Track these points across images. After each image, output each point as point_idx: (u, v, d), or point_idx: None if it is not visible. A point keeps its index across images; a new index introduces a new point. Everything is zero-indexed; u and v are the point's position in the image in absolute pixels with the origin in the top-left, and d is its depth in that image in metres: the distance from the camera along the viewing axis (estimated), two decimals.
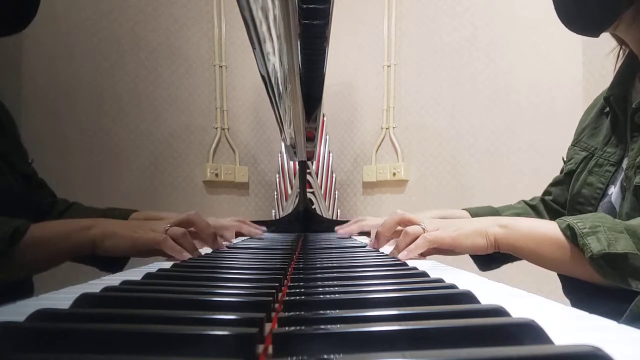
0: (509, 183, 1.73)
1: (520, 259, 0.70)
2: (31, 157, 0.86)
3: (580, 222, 0.55)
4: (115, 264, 0.75)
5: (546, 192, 0.90)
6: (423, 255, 0.65)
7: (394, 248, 0.67)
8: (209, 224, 0.73)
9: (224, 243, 0.80)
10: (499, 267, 0.80)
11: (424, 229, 0.65)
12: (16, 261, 0.57)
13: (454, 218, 0.86)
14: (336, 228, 1.09)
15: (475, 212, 0.89)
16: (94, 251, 0.63)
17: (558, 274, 0.67)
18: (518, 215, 0.86)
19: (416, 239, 0.64)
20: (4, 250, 0.55)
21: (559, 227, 0.58)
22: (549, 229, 0.59)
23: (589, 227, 0.54)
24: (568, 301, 0.75)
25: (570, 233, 0.55)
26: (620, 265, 0.51)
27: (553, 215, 0.86)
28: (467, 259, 0.83)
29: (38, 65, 1.67)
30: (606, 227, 0.53)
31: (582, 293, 0.66)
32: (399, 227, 0.70)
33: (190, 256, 0.63)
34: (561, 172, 0.86)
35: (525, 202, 0.92)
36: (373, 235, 0.81)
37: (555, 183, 0.88)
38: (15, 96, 1.62)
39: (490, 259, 0.78)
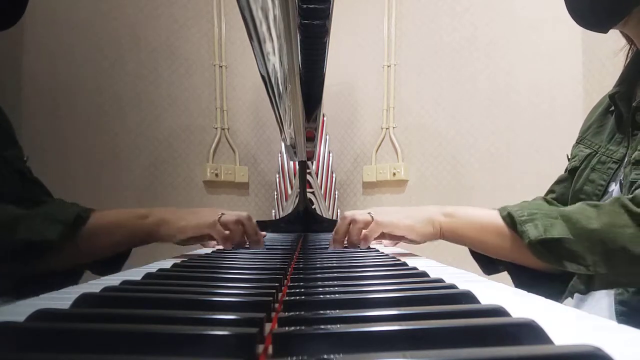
0: (509, 183, 1.73)
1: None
2: (26, 155, 0.86)
3: (519, 210, 0.59)
4: (111, 267, 0.75)
5: (550, 191, 0.90)
6: (380, 242, 0.68)
7: (346, 241, 0.71)
8: (257, 230, 0.75)
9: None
10: (504, 270, 0.80)
11: (372, 217, 0.68)
12: (77, 247, 0.59)
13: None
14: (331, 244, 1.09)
15: None
16: (151, 239, 0.66)
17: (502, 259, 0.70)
18: None
19: (365, 225, 0.68)
20: (67, 234, 0.56)
21: (500, 215, 0.61)
22: (490, 216, 0.63)
23: (527, 215, 0.57)
24: (568, 301, 0.75)
25: (510, 220, 0.59)
26: (556, 249, 0.55)
27: None
28: (467, 259, 0.82)
29: (38, 65, 1.67)
30: (542, 214, 0.57)
31: (523, 276, 0.70)
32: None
33: (233, 246, 0.67)
34: (565, 171, 0.86)
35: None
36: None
37: (558, 181, 0.88)
38: (15, 96, 1.62)
39: (494, 262, 0.78)
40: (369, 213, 0.70)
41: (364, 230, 0.70)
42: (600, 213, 0.55)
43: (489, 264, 0.80)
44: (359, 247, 0.70)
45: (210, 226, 0.67)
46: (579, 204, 0.58)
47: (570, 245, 0.54)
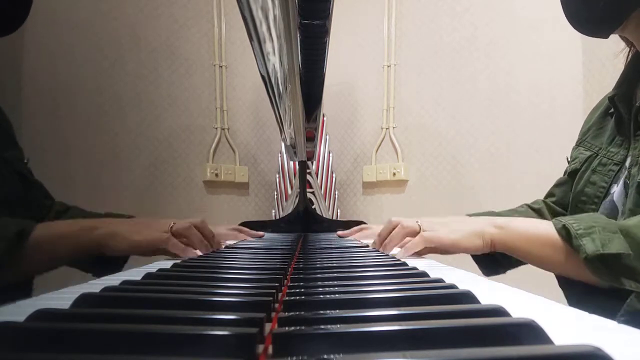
0: (509, 183, 1.73)
1: (525, 264, 0.70)
2: (27, 157, 0.86)
3: (576, 222, 0.55)
4: (111, 269, 0.75)
5: (549, 194, 0.90)
6: (419, 254, 0.66)
7: (387, 241, 0.69)
8: (213, 232, 0.73)
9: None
10: (504, 272, 0.80)
11: (419, 226, 0.66)
12: (22, 261, 0.57)
13: None
14: (338, 233, 1.09)
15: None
16: (99, 251, 0.63)
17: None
18: None
19: (410, 232, 0.66)
20: (9, 250, 0.54)
21: (555, 227, 0.58)
22: (544, 229, 0.60)
23: (584, 228, 0.54)
24: (568, 301, 0.75)
25: (566, 233, 0.56)
26: (614, 265, 0.52)
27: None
28: (467, 259, 0.83)
29: (38, 65, 1.67)
30: (600, 228, 0.54)
31: (577, 289, 0.67)
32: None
33: (195, 252, 0.64)
34: (565, 173, 0.86)
35: (528, 205, 0.91)
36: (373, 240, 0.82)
37: (558, 184, 0.87)
38: (15, 96, 1.61)
39: (495, 263, 0.78)
40: (416, 222, 0.67)
41: (407, 238, 0.67)
42: None
43: (489, 266, 0.80)
44: (392, 254, 0.66)
45: (164, 242, 0.64)
46: (638, 217, 0.55)
47: (629, 262, 0.52)
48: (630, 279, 0.52)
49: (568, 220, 0.56)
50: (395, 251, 0.68)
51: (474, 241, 0.64)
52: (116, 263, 0.74)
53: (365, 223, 1.16)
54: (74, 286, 0.38)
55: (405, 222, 0.67)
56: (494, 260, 0.77)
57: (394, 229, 0.70)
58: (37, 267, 0.63)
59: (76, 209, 0.90)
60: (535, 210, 0.89)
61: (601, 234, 0.53)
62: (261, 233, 1.10)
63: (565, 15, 0.70)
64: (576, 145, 0.83)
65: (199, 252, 0.68)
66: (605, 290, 0.58)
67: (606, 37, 0.69)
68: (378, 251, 0.69)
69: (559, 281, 0.74)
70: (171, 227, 0.66)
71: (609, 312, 0.62)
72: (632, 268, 0.52)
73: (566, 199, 0.83)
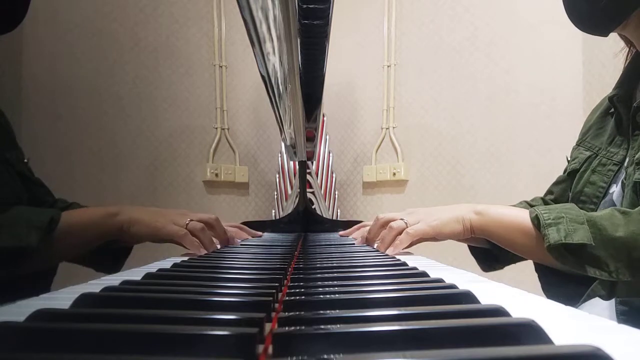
0: (508, 183, 1.73)
1: (523, 260, 0.72)
2: (27, 157, 0.86)
3: (547, 212, 0.59)
4: (113, 265, 0.76)
5: (548, 192, 0.90)
6: (408, 246, 0.70)
7: (380, 242, 0.72)
8: (226, 231, 0.76)
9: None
10: (502, 267, 0.81)
11: (406, 223, 0.69)
12: (52, 248, 0.59)
13: None
14: (340, 233, 1.11)
15: None
16: (120, 237, 0.67)
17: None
18: None
19: (400, 232, 0.69)
20: (43, 238, 0.57)
21: (529, 216, 0.62)
22: (520, 216, 0.64)
23: (553, 218, 0.58)
24: (541, 285, 0.77)
25: (537, 222, 0.59)
26: (577, 253, 0.56)
27: None
28: (467, 259, 0.83)
29: (38, 65, 1.67)
30: (569, 218, 0.57)
31: (550, 278, 0.71)
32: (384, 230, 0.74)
33: (206, 251, 0.67)
34: (564, 172, 0.86)
35: (526, 202, 0.92)
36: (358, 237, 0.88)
37: (557, 182, 0.88)
38: (15, 96, 1.61)
39: (492, 259, 0.79)
40: (402, 219, 0.70)
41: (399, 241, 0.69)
42: (629, 220, 0.55)
43: (486, 260, 0.80)
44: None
45: (182, 237, 0.67)
46: (608, 210, 0.58)
47: (593, 250, 0.55)
48: (593, 267, 0.55)
49: (541, 209, 0.60)
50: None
51: (454, 227, 0.68)
52: (118, 257, 0.76)
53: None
54: (74, 286, 0.38)
55: (394, 224, 0.70)
56: (491, 254, 0.78)
57: (382, 226, 0.73)
58: (64, 254, 0.66)
59: (77, 205, 0.90)
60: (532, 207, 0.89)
61: (568, 224, 0.56)
62: (260, 233, 1.11)
63: (566, 12, 0.70)
64: (576, 145, 0.83)
65: (215, 245, 0.72)
66: (573, 277, 0.62)
67: (606, 35, 0.69)
68: (378, 251, 0.70)
69: (536, 269, 0.76)
70: (187, 225, 0.68)
71: (573, 298, 0.65)
72: (596, 257, 0.55)
73: (564, 197, 0.83)
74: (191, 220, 0.69)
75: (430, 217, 0.69)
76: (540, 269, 0.75)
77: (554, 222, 0.57)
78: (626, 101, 0.71)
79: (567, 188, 0.82)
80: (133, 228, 0.66)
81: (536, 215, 0.60)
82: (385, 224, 0.73)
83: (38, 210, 0.61)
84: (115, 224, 0.66)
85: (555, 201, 0.87)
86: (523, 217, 0.63)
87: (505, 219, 0.65)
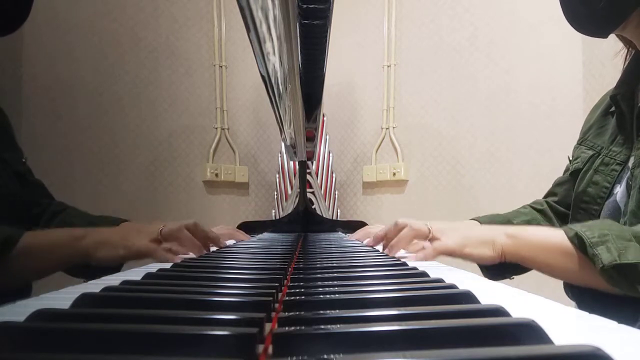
0: (508, 183, 1.73)
1: (529, 270, 0.69)
2: (25, 156, 0.86)
3: (589, 230, 0.54)
4: (102, 274, 0.73)
5: (550, 193, 0.88)
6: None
7: (395, 241, 0.67)
8: (206, 233, 0.72)
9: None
10: (510, 277, 0.79)
11: (429, 229, 0.65)
12: (8, 269, 0.56)
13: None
14: (349, 236, 1.07)
15: (484, 222, 0.84)
16: (87, 260, 0.63)
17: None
18: (528, 222, 0.84)
19: (420, 234, 0.65)
20: None
21: (567, 235, 0.57)
22: (556, 238, 0.58)
23: (598, 236, 0.53)
24: (568, 301, 0.74)
25: (579, 242, 0.55)
26: (630, 274, 0.51)
27: (561, 218, 0.84)
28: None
29: (38, 65, 1.67)
30: (614, 236, 0.53)
31: (585, 296, 0.66)
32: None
33: (180, 256, 0.63)
34: (566, 172, 0.85)
35: (532, 206, 0.89)
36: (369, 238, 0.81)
37: (560, 183, 0.87)
38: (15, 96, 1.62)
39: (501, 270, 0.75)
40: (425, 224, 0.66)
41: (415, 240, 0.66)
42: None
43: (496, 272, 0.76)
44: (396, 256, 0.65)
45: (151, 252, 0.63)
46: None
47: None
48: None
49: (580, 228, 0.55)
50: (401, 253, 0.67)
51: (483, 251, 0.63)
52: (106, 270, 0.73)
53: (365, 223, 1.16)
54: (74, 286, 0.38)
55: (414, 224, 0.66)
56: (501, 268, 0.73)
57: (400, 230, 0.68)
58: (26, 275, 0.62)
59: (74, 209, 0.88)
60: (539, 211, 0.87)
61: (616, 242, 0.52)
62: (248, 237, 1.08)
63: (565, 15, 0.70)
64: (578, 144, 0.82)
65: (200, 247, 0.68)
66: (617, 297, 0.56)
67: (605, 37, 0.69)
68: (377, 251, 0.69)
69: (569, 292, 0.72)
70: (161, 231, 0.65)
71: (624, 319, 0.61)
72: None
73: (568, 198, 0.82)
74: (164, 226, 0.65)
75: (456, 234, 0.65)
76: (577, 295, 0.69)
77: (600, 240, 0.53)
78: (629, 100, 0.71)
79: (570, 189, 0.81)
80: (100, 252, 0.62)
81: (576, 233, 0.55)
82: (408, 228, 0.68)
83: None
84: (79, 248, 0.62)
85: (560, 203, 0.86)
86: (560, 238, 0.58)
87: (541, 241, 0.60)
